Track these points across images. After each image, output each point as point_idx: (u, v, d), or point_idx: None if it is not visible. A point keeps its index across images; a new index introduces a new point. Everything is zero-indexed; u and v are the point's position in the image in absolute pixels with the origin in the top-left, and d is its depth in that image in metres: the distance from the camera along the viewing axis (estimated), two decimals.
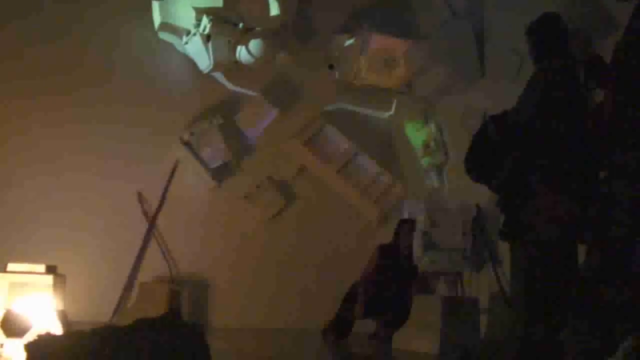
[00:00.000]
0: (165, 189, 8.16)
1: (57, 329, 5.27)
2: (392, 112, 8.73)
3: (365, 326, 7.32)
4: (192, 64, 8.13)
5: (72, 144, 7.95)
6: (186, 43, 8.02)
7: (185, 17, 7.89)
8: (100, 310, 7.40)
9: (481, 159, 4.05)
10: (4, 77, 7.81)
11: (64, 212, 7.73)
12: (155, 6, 7.94)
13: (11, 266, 5.55)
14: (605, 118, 3.14)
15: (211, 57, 7.90)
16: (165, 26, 7.96)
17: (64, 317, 5.51)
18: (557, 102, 3.80)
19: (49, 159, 7.86)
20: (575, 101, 3.79)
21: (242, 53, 8.00)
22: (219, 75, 8.32)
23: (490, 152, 3.99)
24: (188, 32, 7.97)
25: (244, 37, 7.99)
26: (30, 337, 4.95)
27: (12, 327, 5.20)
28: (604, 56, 3.59)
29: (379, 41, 8.21)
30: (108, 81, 8.03)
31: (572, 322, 3.29)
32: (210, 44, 7.85)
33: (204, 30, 7.82)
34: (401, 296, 7.10)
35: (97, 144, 7.99)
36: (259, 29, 8.01)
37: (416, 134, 8.45)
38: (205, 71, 8.07)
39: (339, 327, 7.18)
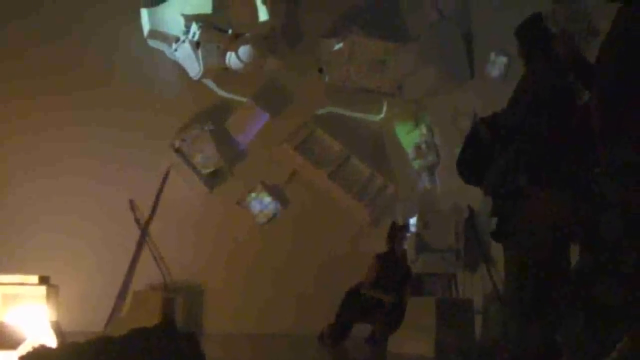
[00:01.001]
0: (158, 196, 8.14)
1: (51, 340, 5.24)
2: (382, 114, 8.75)
3: (360, 330, 7.32)
4: (181, 70, 8.12)
5: (63, 153, 7.94)
6: (175, 50, 8.02)
7: (174, 24, 7.89)
8: (94, 320, 7.37)
9: (473, 162, 4.06)
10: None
11: (56, 222, 7.71)
12: (144, 13, 7.95)
13: (3, 277, 5.52)
14: (593, 119, 3.14)
15: (201, 64, 7.91)
16: (154, 33, 7.96)
17: (58, 328, 5.48)
18: (547, 103, 3.81)
19: (40, 170, 7.85)
20: (565, 101, 3.80)
21: (231, 59, 8.00)
22: (208, 82, 8.32)
23: (482, 154, 4.00)
24: (177, 39, 7.97)
25: (233, 43, 7.99)
26: (24, 349, 4.93)
27: (5, 339, 5.17)
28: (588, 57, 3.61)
29: (368, 44, 8.22)
30: (98, 90, 8.03)
31: (567, 322, 3.29)
32: (199, 51, 7.85)
33: (193, 37, 7.82)
34: (397, 299, 7.10)
35: (87, 153, 7.98)
36: (248, 34, 8.01)
37: (407, 136, 8.47)
38: (195, 78, 8.07)
39: (338, 331, 7.17)
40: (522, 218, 3.77)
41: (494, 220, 4.07)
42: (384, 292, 7.14)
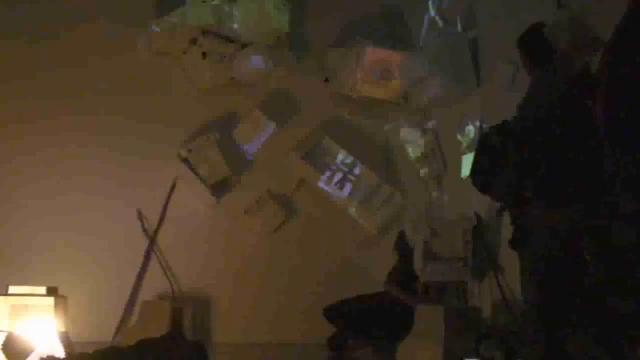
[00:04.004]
0: (165, 206, 8.16)
1: (60, 351, 5.25)
2: (389, 123, 8.74)
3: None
4: (188, 80, 8.15)
5: (70, 163, 7.99)
6: (182, 61, 8.05)
7: (180, 34, 7.93)
8: (102, 330, 7.39)
9: (486, 171, 4.05)
10: (4, 96, 7.89)
11: (64, 232, 7.74)
12: (151, 24, 7.99)
13: (12, 289, 5.56)
14: (600, 125, 3.13)
15: (207, 74, 7.93)
16: (161, 44, 7.99)
17: (66, 339, 5.50)
18: (551, 112, 3.82)
19: (47, 179, 7.90)
20: (570, 111, 3.80)
21: (238, 68, 8.02)
22: (215, 91, 8.34)
23: (494, 162, 3.99)
24: (184, 49, 8.00)
25: (240, 52, 8.02)
26: None
27: (14, 350, 5.18)
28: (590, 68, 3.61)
29: (374, 53, 8.23)
30: (105, 99, 8.09)
31: (579, 333, 3.28)
32: (205, 61, 7.88)
33: (199, 47, 7.85)
34: (404, 308, 7.10)
35: (95, 163, 8.03)
36: (254, 44, 8.04)
37: (414, 145, 8.45)
38: (202, 87, 8.09)
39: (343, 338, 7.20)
40: (532, 228, 3.76)
41: (509, 228, 4.07)
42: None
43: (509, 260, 4.25)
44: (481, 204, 6.69)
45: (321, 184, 8.51)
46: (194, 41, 7.94)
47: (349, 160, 8.63)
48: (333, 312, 7.27)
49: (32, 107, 7.96)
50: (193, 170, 8.20)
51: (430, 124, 8.37)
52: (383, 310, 7.19)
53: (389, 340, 6.89)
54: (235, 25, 7.99)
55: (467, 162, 7.10)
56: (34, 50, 8.04)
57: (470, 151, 6.64)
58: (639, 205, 2.95)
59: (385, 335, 7.04)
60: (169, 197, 8.18)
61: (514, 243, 3.93)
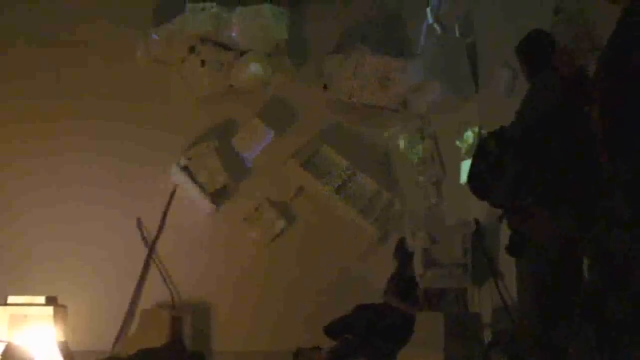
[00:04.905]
0: (164, 215, 8.16)
1: None
2: (388, 130, 8.74)
3: None
4: (187, 88, 8.16)
5: (69, 170, 8.00)
6: (181, 68, 8.06)
7: (179, 42, 7.95)
8: (102, 339, 7.37)
9: (483, 177, 4.06)
10: (4, 96, 7.91)
11: (63, 241, 7.73)
12: (150, 32, 8.01)
13: (11, 298, 5.56)
14: (596, 129, 3.13)
15: (206, 82, 7.95)
16: (160, 51, 8.01)
17: (66, 348, 5.49)
18: (550, 118, 3.83)
19: (46, 188, 7.89)
20: (568, 117, 3.81)
21: (236, 76, 8.04)
22: (214, 99, 8.35)
23: (491, 169, 4.00)
24: (182, 57, 8.02)
25: (238, 60, 8.04)
26: None
27: None
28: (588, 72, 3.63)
29: (372, 60, 8.24)
30: (104, 106, 8.10)
31: (577, 338, 3.28)
32: (204, 69, 7.90)
33: (197, 54, 7.87)
34: (405, 314, 7.09)
35: (94, 170, 8.04)
36: (252, 51, 8.05)
37: (412, 151, 8.46)
38: (201, 95, 8.11)
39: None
40: (531, 234, 3.77)
41: (508, 234, 4.07)
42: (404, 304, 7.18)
43: (509, 265, 4.26)
44: (480, 209, 6.68)
45: (320, 191, 8.52)
46: (192, 49, 7.95)
47: (348, 167, 8.64)
48: (336, 329, 7.22)
49: (32, 108, 7.97)
50: (192, 178, 8.19)
51: (429, 130, 8.38)
52: (383, 320, 7.17)
53: (389, 350, 6.87)
54: (233, 33, 8.01)
55: (466, 168, 7.09)
56: (34, 50, 8.05)
57: (469, 157, 6.64)
58: (635, 210, 2.95)
59: (385, 345, 7.02)
60: (168, 205, 8.18)
61: (511, 249, 3.94)
